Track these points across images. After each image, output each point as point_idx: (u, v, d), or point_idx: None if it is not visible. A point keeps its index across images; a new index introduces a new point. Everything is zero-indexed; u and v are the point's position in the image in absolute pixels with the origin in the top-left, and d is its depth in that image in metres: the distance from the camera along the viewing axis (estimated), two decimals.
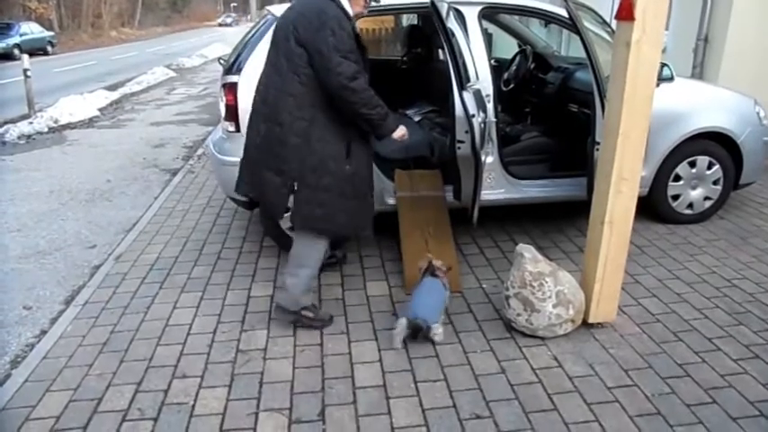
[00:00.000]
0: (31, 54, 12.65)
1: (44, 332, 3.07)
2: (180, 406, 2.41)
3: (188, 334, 2.93)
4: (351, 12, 2.68)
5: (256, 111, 2.81)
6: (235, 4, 67.47)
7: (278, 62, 2.69)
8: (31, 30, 24.35)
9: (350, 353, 2.75)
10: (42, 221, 4.75)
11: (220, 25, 56.54)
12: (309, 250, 2.86)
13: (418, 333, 2.75)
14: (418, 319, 2.73)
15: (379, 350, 2.76)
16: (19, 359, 2.85)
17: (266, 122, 2.72)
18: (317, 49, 2.54)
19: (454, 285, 3.23)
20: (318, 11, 2.59)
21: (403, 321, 2.74)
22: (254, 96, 2.84)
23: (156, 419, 2.34)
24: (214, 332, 2.94)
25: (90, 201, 5.24)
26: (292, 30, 2.62)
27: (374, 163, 3.46)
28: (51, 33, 26.71)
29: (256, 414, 2.35)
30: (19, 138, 7.85)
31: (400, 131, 2.85)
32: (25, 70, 9.06)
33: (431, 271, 2.99)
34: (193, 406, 2.41)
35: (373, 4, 3.03)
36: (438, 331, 2.78)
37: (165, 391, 2.50)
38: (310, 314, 2.94)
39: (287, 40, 2.64)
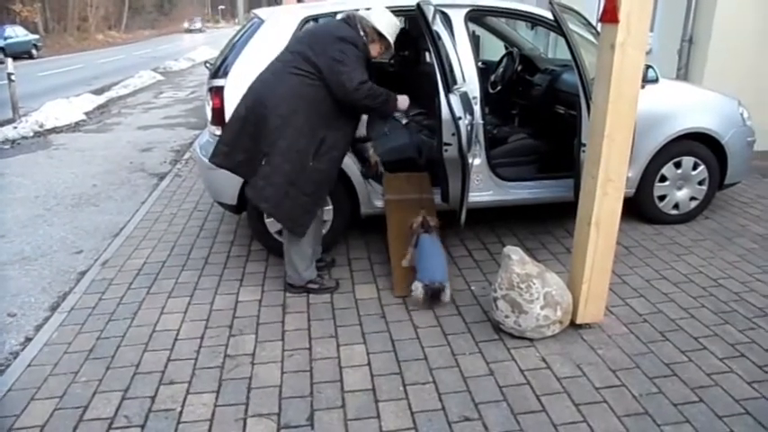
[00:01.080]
0: (16, 57, 12.49)
1: (29, 339, 3.04)
2: (167, 412, 2.39)
3: (175, 339, 2.91)
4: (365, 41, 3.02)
5: (253, 87, 3.04)
6: (222, 7, 67.18)
7: (284, 56, 3.03)
8: (15, 33, 24.13)
9: (338, 356, 2.74)
10: (27, 227, 4.70)
11: (188, 31, 49.10)
12: (294, 234, 3.15)
13: (438, 295, 3.03)
14: (435, 283, 3.00)
15: (368, 353, 2.76)
16: (3, 367, 2.81)
17: (255, 97, 2.98)
18: (330, 57, 2.88)
19: None
20: (338, 28, 3.01)
21: (419, 286, 3.01)
22: (255, 79, 3.07)
23: (143, 426, 2.32)
24: (202, 337, 2.92)
25: (76, 206, 5.20)
26: (309, 38, 3.04)
27: (362, 167, 3.48)
28: (36, 36, 26.50)
29: (244, 420, 2.34)
30: (3, 143, 7.77)
31: (404, 103, 3.17)
32: (9, 74, 8.97)
33: (425, 227, 3.14)
34: (181, 412, 2.39)
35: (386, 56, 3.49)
36: (447, 291, 3.06)
37: (153, 398, 2.48)
38: (315, 285, 3.29)
39: (300, 43, 3.03)
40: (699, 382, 2.52)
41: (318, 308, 3.17)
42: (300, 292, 3.30)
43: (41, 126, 8.56)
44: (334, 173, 3.19)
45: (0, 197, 5.47)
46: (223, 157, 3.06)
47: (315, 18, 3.63)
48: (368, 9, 3.11)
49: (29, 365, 2.73)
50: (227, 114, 3.45)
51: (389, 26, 3.07)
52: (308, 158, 2.96)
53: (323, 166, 3.04)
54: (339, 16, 3.18)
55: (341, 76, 2.86)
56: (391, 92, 3.05)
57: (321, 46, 2.92)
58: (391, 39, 3.09)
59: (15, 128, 8.29)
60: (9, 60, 9.51)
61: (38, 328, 3.14)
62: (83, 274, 3.78)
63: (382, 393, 2.47)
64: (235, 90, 3.43)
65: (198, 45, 25.34)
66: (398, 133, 4.19)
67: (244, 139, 2.99)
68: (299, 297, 3.28)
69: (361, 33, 3.00)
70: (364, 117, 3.52)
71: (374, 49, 3.07)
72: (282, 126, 2.92)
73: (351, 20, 3.04)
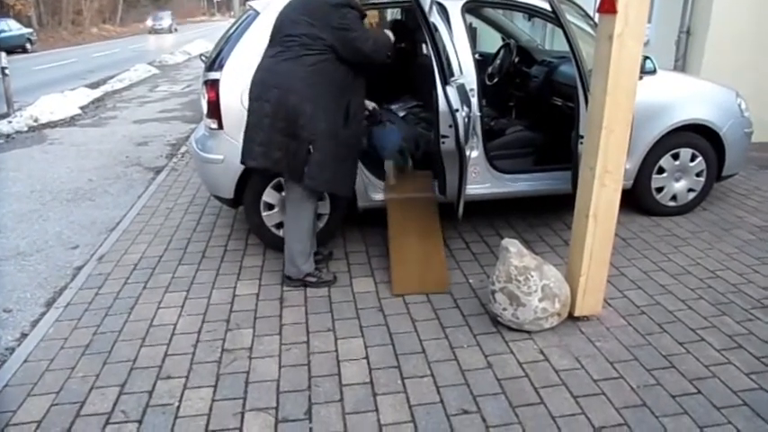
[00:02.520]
0: (10, 52, 12.45)
1: (25, 335, 3.02)
2: (165, 407, 2.38)
3: (172, 334, 2.90)
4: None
5: (263, 81, 3.00)
6: (218, 0, 66.76)
7: (288, 41, 2.97)
8: (8, 27, 23.92)
9: (336, 350, 2.73)
10: (23, 222, 4.67)
11: (153, 32, 38.05)
12: (295, 225, 3.18)
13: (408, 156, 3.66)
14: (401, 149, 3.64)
15: (366, 347, 2.75)
16: None
17: (278, 89, 2.93)
18: (335, 27, 2.90)
19: (442, 285, 3.23)
20: None
21: (390, 164, 3.55)
22: (256, 73, 3.03)
23: (140, 421, 2.31)
24: (199, 332, 2.91)
25: (72, 200, 5.17)
26: (303, 14, 2.96)
27: (360, 160, 3.47)
28: (30, 30, 26.26)
29: (242, 414, 2.33)
30: None
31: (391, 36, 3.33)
32: (3, 68, 8.89)
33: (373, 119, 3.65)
34: (178, 407, 2.38)
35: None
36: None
37: (150, 393, 2.47)
38: (313, 279, 3.30)
39: (297, 23, 2.96)
40: (697, 373, 2.52)
41: (316, 301, 3.17)
42: (298, 285, 3.29)
43: (36, 120, 8.51)
44: (362, 125, 3.34)
45: None
46: (261, 158, 3.01)
47: None
48: None
49: (25, 361, 2.72)
50: (223, 107, 3.44)
51: None
52: (342, 129, 3.04)
53: (354, 130, 3.15)
54: None
55: (354, 42, 2.92)
56: (383, 33, 3.23)
57: (321, 19, 2.91)
58: None
59: (10, 122, 8.24)
60: (3, 54, 9.41)
61: (34, 324, 3.12)
62: (79, 269, 3.76)
63: (380, 387, 2.47)
64: (230, 83, 3.41)
65: (193, 38, 25.16)
66: (396, 126, 4.17)
67: (277, 136, 2.96)
68: (296, 291, 3.27)
69: None
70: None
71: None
72: (317, 110, 2.93)
73: None
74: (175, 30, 40.05)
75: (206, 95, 3.53)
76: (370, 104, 3.62)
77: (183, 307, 3.15)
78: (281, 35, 3.02)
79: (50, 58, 20.67)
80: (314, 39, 2.91)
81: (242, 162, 3.13)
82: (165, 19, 40.41)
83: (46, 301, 3.40)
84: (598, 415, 2.28)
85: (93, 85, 12.44)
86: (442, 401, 2.37)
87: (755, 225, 4.07)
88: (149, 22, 40.07)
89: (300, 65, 2.92)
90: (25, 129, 8.18)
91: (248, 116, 3.05)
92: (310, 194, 3.15)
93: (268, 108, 2.95)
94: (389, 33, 3.30)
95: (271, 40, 3.08)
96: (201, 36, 26.40)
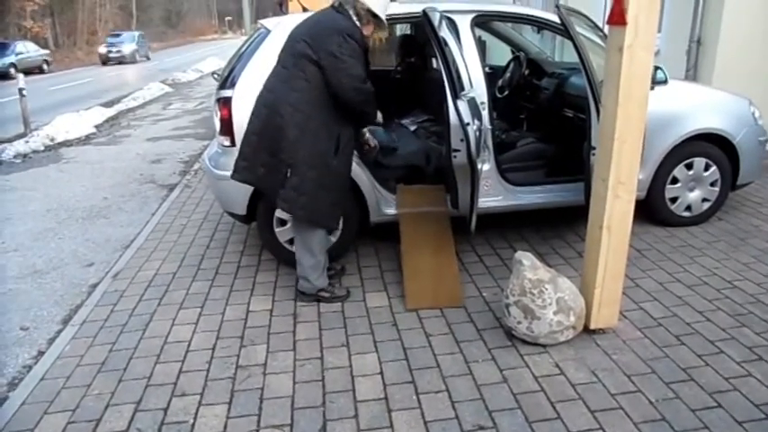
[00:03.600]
0: (27, 73, 12.72)
1: (41, 353, 3.05)
2: (179, 425, 2.38)
3: (187, 351, 2.91)
4: (359, 26, 3.01)
5: (260, 98, 3.05)
6: (229, 18, 67.69)
7: (287, 60, 3.01)
8: (26, 49, 24.43)
9: (350, 366, 2.72)
10: (39, 241, 4.73)
11: (106, 62, 27.45)
12: (307, 241, 3.18)
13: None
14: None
15: (380, 362, 2.74)
16: (16, 381, 2.82)
17: (268, 108, 2.98)
18: (329, 52, 2.87)
19: (455, 299, 3.21)
20: (332, 20, 2.98)
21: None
22: (262, 88, 3.07)
23: None
24: (213, 348, 2.92)
25: (87, 218, 5.23)
26: (305, 35, 2.97)
27: (373, 175, 3.48)
28: (46, 52, 26.78)
29: (257, 431, 2.33)
30: (15, 157, 7.84)
31: (379, 115, 3.28)
32: (21, 89, 9.08)
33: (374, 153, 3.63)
34: (193, 424, 2.38)
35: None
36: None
37: (165, 410, 2.47)
38: (326, 294, 3.30)
39: (298, 42, 2.97)
40: (717, 386, 2.48)
41: (329, 317, 3.16)
42: (311, 300, 3.30)
43: (52, 140, 8.65)
44: (351, 159, 3.24)
45: (12, 211, 5.51)
46: (245, 172, 3.06)
47: None
48: None
49: (42, 379, 2.74)
50: (236, 125, 3.47)
51: (382, 5, 3.05)
52: (331, 158, 3.01)
53: (344, 161, 3.11)
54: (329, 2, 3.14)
55: (339, 72, 2.88)
56: (370, 86, 3.04)
57: (320, 41, 2.90)
58: (384, 17, 3.07)
59: (27, 142, 8.37)
60: (20, 76, 9.65)
61: (50, 342, 3.15)
62: (94, 286, 3.79)
63: (395, 402, 2.45)
64: (243, 101, 3.44)
65: (205, 56, 25.48)
66: (407, 140, 4.18)
67: (262, 154, 3.00)
68: (309, 306, 3.27)
69: (355, 19, 2.99)
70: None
71: (367, 30, 3.06)
72: (301, 135, 2.93)
73: (342, 6, 3.01)
74: (146, 58, 29.75)
75: (219, 113, 3.57)
76: (373, 141, 3.59)
77: (197, 323, 3.16)
78: (283, 54, 3.05)
79: (66, 78, 21.04)
80: (309, 61, 2.90)
81: (231, 176, 3.15)
82: (127, 43, 28.74)
83: (62, 319, 3.43)
84: (616, 430, 2.25)
85: (108, 104, 12.63)
86: (457, 417, 2.35)
87: None
88: (102, 48, 28.48)
89: (292, 88, 2.94)
90: (42, 148, 8.31)
91: (245, 129, 3.09)
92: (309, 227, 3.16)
93: (257, 125, 3.01)
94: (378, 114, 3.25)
95: (277, 58, 3.10)
96: (213, 54, 26.70)
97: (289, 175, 2.97)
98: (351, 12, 3.00)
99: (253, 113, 3.05)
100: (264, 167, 3.01)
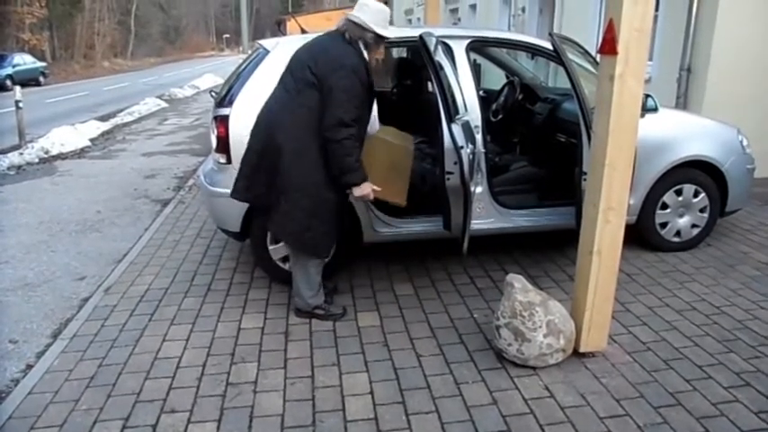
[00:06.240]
0: (24, 85, 12.71)
1: (30, 366, 3.03)
2: None
3: (177, 367, 2.90)
4: (368, 58, 3.00)
5: (261, 120, 3.05)
6: (227, 36, 68.19)
7: (289, 84, 2.99)
8: (23, 61, 24.47)
9: (341, 385, 2.72)
10: (31, 253, 4.71)
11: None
12: (303, 260, 3.18)
13: None
14: None
15: (371, 382, 2.74)
16: (3, 395, 2.80)
17: (268, 130, 2.98)
18: (329, 86, 2.84)
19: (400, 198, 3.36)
20: (341, 54, 2.92)
21: None
22: (262, 108, 3.07)
23: None
24: (204, 365, 2.91)
25: (80, 232, 5.22)
26: (311, 61, 2.92)
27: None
28: (44, 64, 26.83)
29: None
30: (9, 169, 7.83)
31: (363, 190, 2.98)
32: (17, 101, 9.09)
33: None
34: None
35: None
36: None
37: (154, 427, 2.46)
38: (322, 312, 3.31)
39: (303, 69, 2.94)
40: (704, 411, 2.49)
41: (321, 335, 3.17)
42: (307, 317, 3.32)
43: (47, 152, 8.63)
44: (347, 193, 3.14)
45: (4, 223, 5.49)
46: (244, 191, 3.09)
47: None
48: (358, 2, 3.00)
49: (29, 393, 2.72)
50: (232, 143, 3.50)
51: (385, 22, 3.02)
52: (326, 189, 2.98)
53: (340, 193, 3.06)
54: (336, 25, 3.07)
55: (331, 106, 2.83)
56: (363, 170, 2.94)
57: (324, 71, 2.86)
58: (388, 33, 3.04)
59: (21, 154, 8.36)
60: (17, 88, 9.65)
61: (39, 356, 3.13)
62: (85, 300, 3.78)
63: (385, 423, 2.45)
64: (240, 119, 3.48)
65: (202, 73, 25.62)
66: None
67: (261, 174, 3.01)
68: (301, 325, 3.27)
69: (365, 52, 2.98)
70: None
71: (379, 55, 3.09)
72: (296, 162, 2.92)
73: (352, 38, 2.96)
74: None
75: (216, 130, 3.61)
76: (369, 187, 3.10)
77: (188, 340, 3.16)
78: (287, 77, 3.03)
79: (62, 91, 21.06)
80: (310, 86, 2.88)
81: (231, 195, 3.16)
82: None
83: (52, 333, 3.42)
84: None
85: (104, 118, 12.64)
86: None
87: (760, 261, 4.07)
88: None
89: (290, 112, 2.93)
90: (36, 160, 8.31)
91: (246, 148, 3.10)
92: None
93: (257, 146, 3.02)
94: (367, 188, 3.00)
95: (279, 79, 3.10)
96: (210, 71, 26.87)
97: (282, 201, 2.99)
98: (360, 45, 2.97)
99: (252, 134, 3.07)
100: (264, 187, 3.02)
